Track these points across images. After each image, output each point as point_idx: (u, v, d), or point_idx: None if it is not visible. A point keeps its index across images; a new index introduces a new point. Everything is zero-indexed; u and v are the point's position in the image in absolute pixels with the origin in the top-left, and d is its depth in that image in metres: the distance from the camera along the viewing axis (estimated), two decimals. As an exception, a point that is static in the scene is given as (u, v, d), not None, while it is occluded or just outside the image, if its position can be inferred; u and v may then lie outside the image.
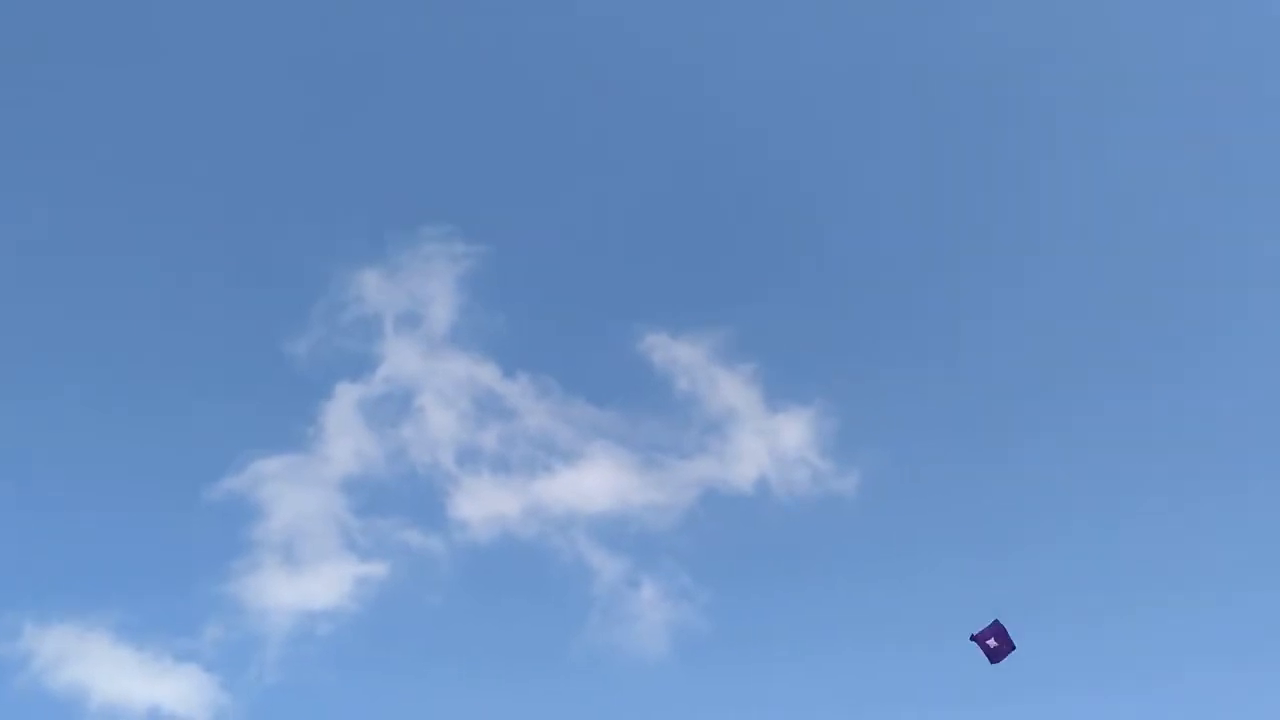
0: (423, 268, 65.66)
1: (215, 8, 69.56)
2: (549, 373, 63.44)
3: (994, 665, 37.41)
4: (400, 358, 64.12)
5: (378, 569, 58.00)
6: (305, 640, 55.78)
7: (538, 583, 58.98)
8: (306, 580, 57.70)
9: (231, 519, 58.85)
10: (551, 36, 70.76)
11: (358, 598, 57.11)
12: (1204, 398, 62.89)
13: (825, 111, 69.96)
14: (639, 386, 64.10)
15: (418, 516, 59.73)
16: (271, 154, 69.55)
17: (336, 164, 70.12)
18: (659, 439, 62.21)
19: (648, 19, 70.52)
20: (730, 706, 54.34)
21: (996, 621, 37.21)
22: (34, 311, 63.96)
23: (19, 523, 58.24)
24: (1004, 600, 55.75)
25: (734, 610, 57.40)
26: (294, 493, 59.96)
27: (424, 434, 62.08)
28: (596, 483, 60.94)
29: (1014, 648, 36.98)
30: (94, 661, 53.63)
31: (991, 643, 36.87)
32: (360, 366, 63.71)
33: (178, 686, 53.52)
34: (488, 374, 63.65)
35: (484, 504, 60.14)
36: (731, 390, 63.23)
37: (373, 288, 65.07)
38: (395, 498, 60.80)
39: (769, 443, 61.82)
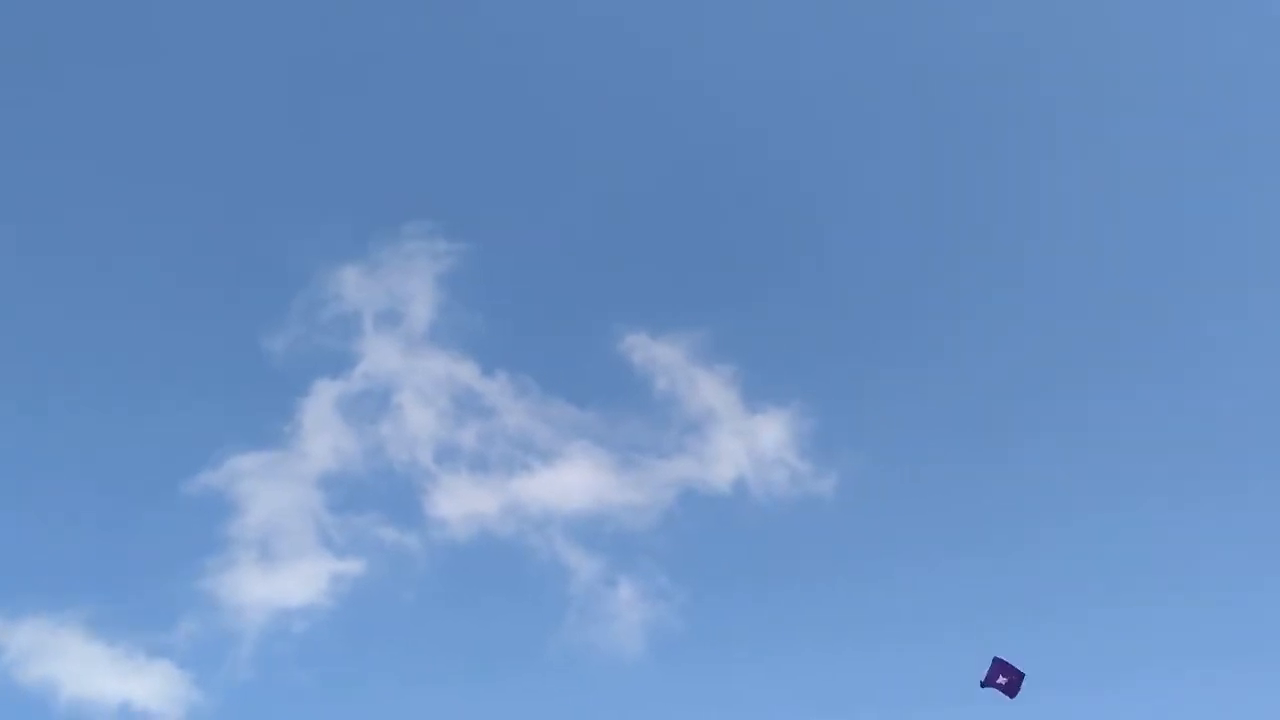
0: (403, 265, 65.65)
1: (201, 6, 69.54)
2: (528, 372, 63.51)
3: (1012, 698, 36.89)
4: (379, 355, 64.08)
5: (354, 566, 57.88)
6: (280, 638, 55.63)
7: (514, 582, 58.98)
8: (282, 577, 57.53)
9: (208, 515, 58.71)
10: (536, 36, 70.99)
11: (333, 595, 56.95)
12: (1198, 397, 63.40)
13: (808, 113, 70.29)
14: (618, 386, 64.21)
15: (395, 514, 59.67)
16: (253, 150, 69.49)
17: (318, 161, 70.30)
18: (637, 439, 62.31)
19: (630, 19, 70.80)
20: (706, 707, 54.37)
21: (995, 659, 36.83)
22: (10, 308, 63.77)
23: (-8, 517, 58.05)
24: (982, 601, 56.52)
25: (710, 611, 57.52)
26: (271, 489, 59.84)
27: (402, 432, 62.03)
28: (574, 482, 60.98)
29: (1023, 674, 36.52)
30: (65, 657, 53.30)
31: (1001, 680, 36.53)
32: (339, 364, 63.65)
33: (149, 683, 53.25)
34: (467, 372, 63.66)
35: (461, 502, 60.10)
36: (710, 391, 63.39)
37: (353, 285, 65.03)
38: (372, 495, 60.74)
39: (747, 443, 61.97)
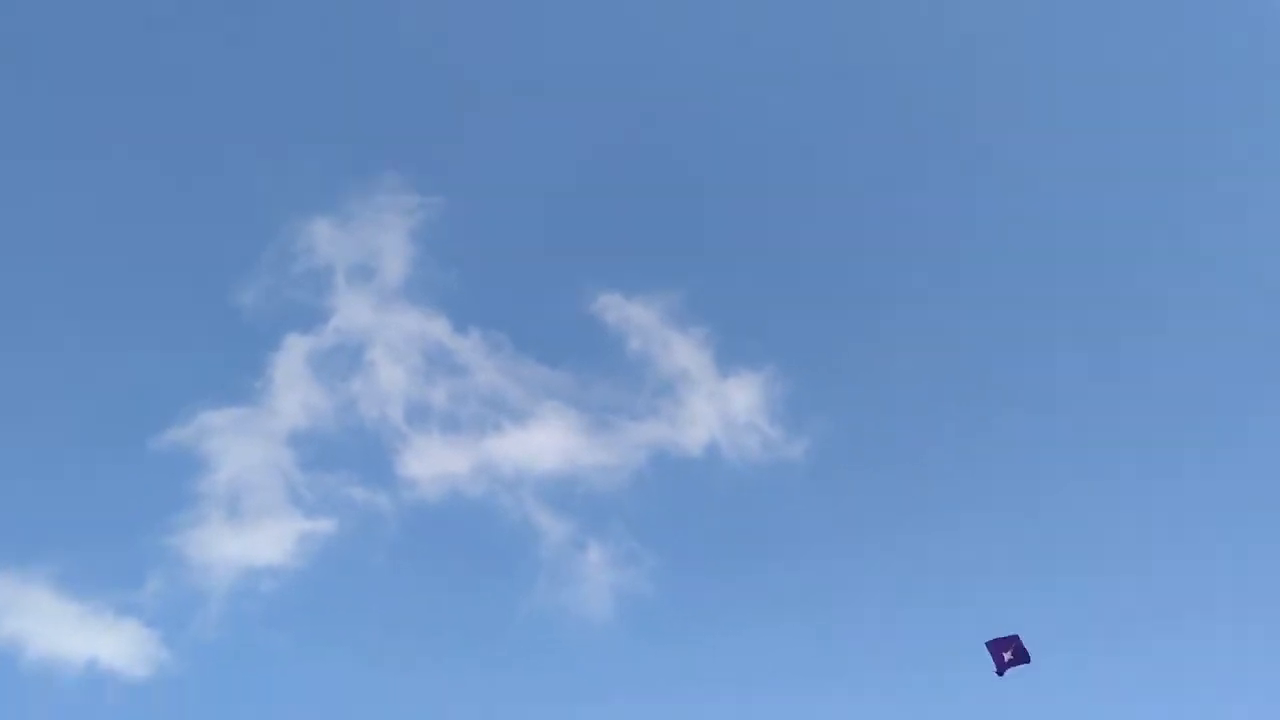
0: (375, 219, 64.82)
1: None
2: (500, 329, 63.15)
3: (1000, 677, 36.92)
4: (351, 310, 63.49)
5: (323, 526, 57.70)
6: (248, 597, 55.53)
7: (485, 543, 59.01)
8: (251, 535, 57.30)
9: (176, 472, 58.31)
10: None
11: (302, 555, 56.81)
12: (1167, 366, 63.85)
13: (785, 75, 69.47)
14: (591, 347, 63.99)
15: (365, 473, 59.46)
16: (220, 97, 68.05)
17: (288, 109, 68.94)
18: (609, 400, 62.19)
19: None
20: (675, 671, 54.89)
21: (988, 644, 36.83)
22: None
23: (-43, 471, 57.43)
24: (954, 566, 57.04)
25: (680, 576, 57.81)
26: (240, 446, 59.43)
27: (374, 389, 61.62)
28: (546, 443, 60.91)
29: (1029, 661, 36.55)
30: (32, 613, 52.97)
31: (1008, 656, 36.52)
32: (310, 318, 63.05)
33: (117, 640, 53.08)
34: (439, 329, 63.19)
35: (432, 462, 59.91)
36: (683, 353, 63.27)
37: (324, 238, 64.22)
38: (343, 453, 60.44)
39: (719, 407, 62.02)
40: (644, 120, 69.24)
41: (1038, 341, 65.51)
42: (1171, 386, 63.04)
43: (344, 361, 62.03)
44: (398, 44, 69.54)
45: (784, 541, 59.43)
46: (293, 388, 60.99)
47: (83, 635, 52.68)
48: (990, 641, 37.26)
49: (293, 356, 61.73)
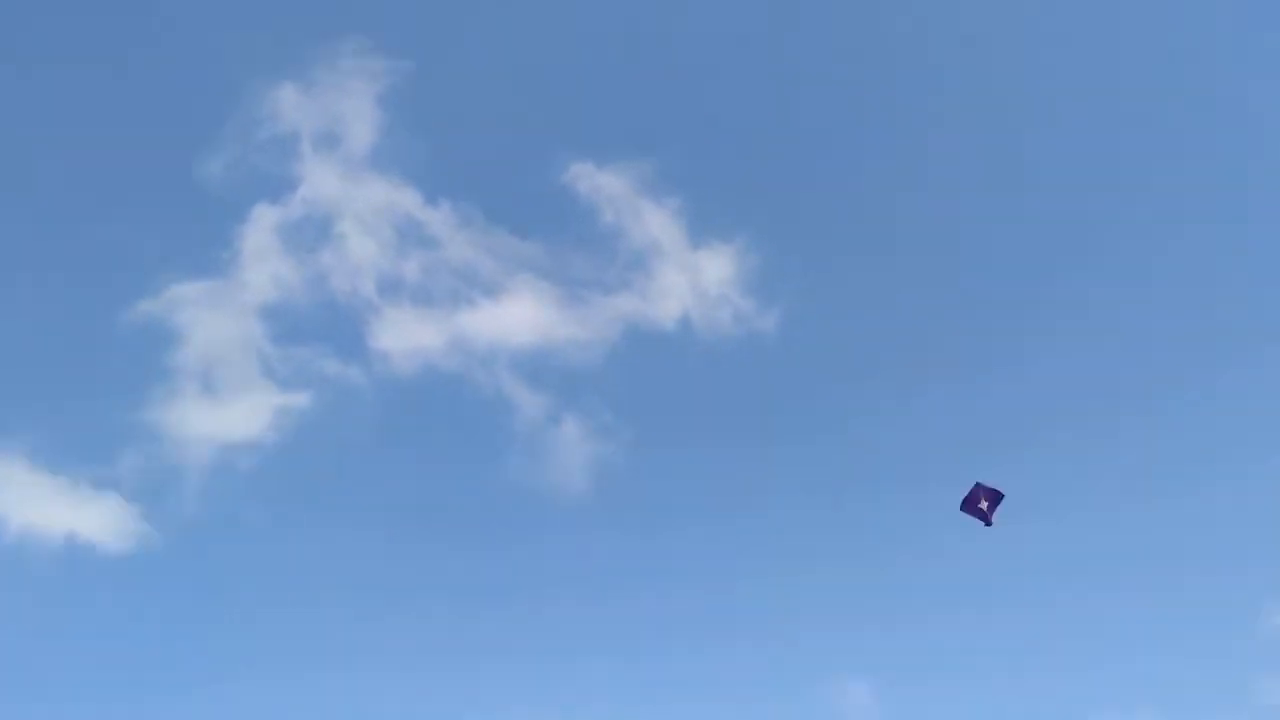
0: (340, 85, 63.11)
1: None
2: (471, 201, 62.30)
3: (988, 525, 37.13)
4: (318, 180, 62.33)
5: (298, 399, 57.74)
6: (225, 471, 55.77)
7: (460, 416, 59.45)
8: (226, 409, 57.39)
9: (148, 344, 57.99)
10: None
11: (278, 428, 57.01)
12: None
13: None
14: (563, 218, 63.40)
15: (338, 347, 59.34)
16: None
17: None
18: (582, 273, 62.01)
19: None
20: (648, 543, 56.17)
21: (978, 483, 37.08)
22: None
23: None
24: (929, 436, 58.23)
25: (655, 448, 58.67)
26: (211, 318, 59.08)
27: (344, 261, 60.98)
28: (519, 316, 60.87)
29: (1002, 495, 36.73)
30: (9, 486, 53.13)
31: (983, 505, 36.84)
32: (278, 188, 61.90)
33: (96, 514, 53.37)
34: (409, 200, 62.28)
35: (405, 336, 59.83)
36: (656, 224, 62.87)
37: (288, 104, 62.57)
38: (315, 327, 60.22)
39: (692, 279, 62.06)
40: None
41: (1012, 209, 65.66)
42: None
43: (313, 233, 61.35)
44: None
45: (757, 412, 60.59)
46: (262, 260, 60.45)
47: (61, 508, 53.05)
48: (964, 502, 37.56)
49: (260, 228, 61.00)
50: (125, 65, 64.05)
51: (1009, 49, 66.73)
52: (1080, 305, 62.50)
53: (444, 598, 53.83)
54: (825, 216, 65.17)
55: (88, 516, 53.04)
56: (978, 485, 37.37)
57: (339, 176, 62.60)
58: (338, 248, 61.06)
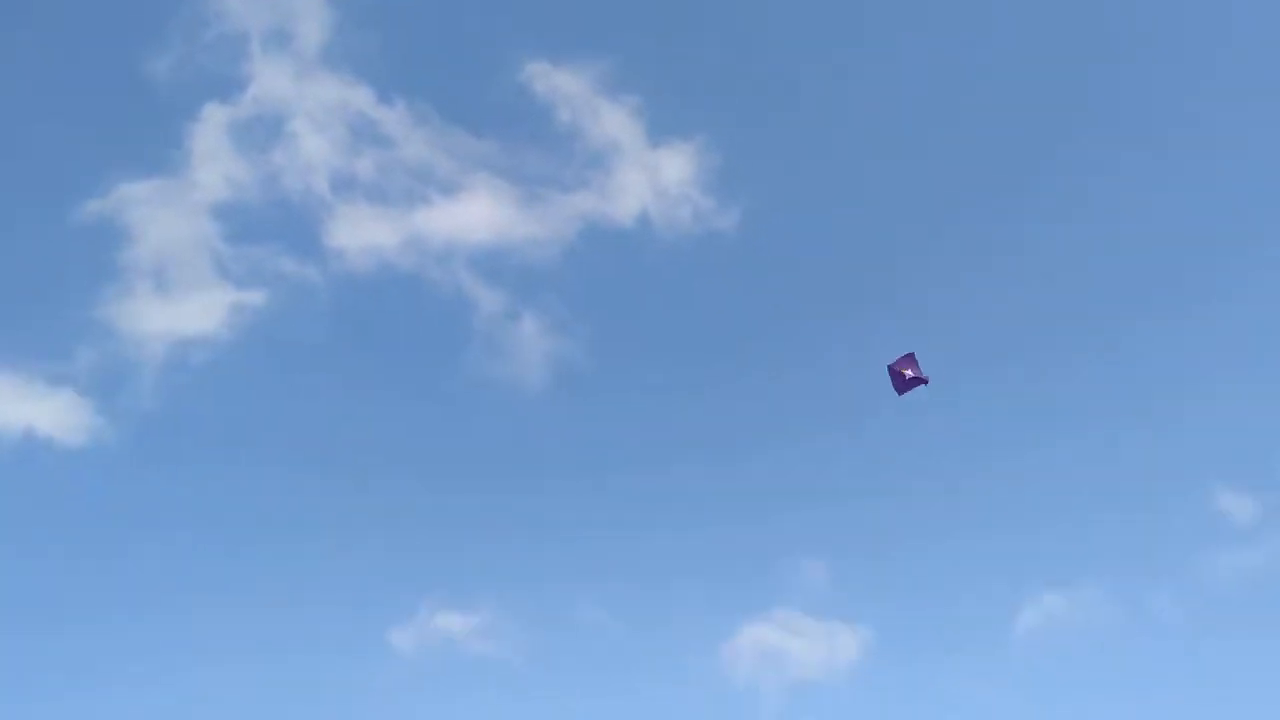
0: (290, -19, 61.97)
1: None
2: (426, 99, 61.54)
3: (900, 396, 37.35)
4: (269, 78, 61.14)
5: (253, 297, 57.26)
6: (180, 368, 55.47)
7: (417, 314, 59.17)
8: (179, 307, 56.85)
9: (99, 243, 57.17)
10: None
11: (232, 325, 56.59)
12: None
13: None
14: (519, 117, 62.59)
15: (293, 245, 58.66)
16: None
17: None
18: (540, 171, 61.56)
19: None
20: (608, 437, 56.74)
21: (910, 355, 37.23)
22: None
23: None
24: (884, 337, 58.50)
25: (614, 343, 58.93)
26: (163, 217, 58.21)
27: (297, 160, 60.10)
28: (476, 215, 60.39)
29: (926, 381, 37.01)
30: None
31: (909, 373, 36.96)
32: (227, 87, 60.76)
33: (52, 408, 53.00)
34: (362, 98, 61.33)
35: (361, 234, 59.23)
36: (614, 123, 62.31)
37: (236, 2, 61.43)
38: (269, 225, 59.40)
39: (651, 178, 61.67)
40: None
41: (979, 113, 65.49)
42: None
43: (264, 132, 60.38)
44: None
45: (715, 310, 60.84)
46: (213, 159, 59.49)
47: (16, 404, 52.67)
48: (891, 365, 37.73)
49: (211, 127, 59.92)
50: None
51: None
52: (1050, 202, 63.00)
53: (404, 489, 54.31)
54: (786, 116, 65.02)
55: (44, 411, 52.84)
56: (910, 356, 37.41)
57: (290, 75, 61.65)
58: (290, 146, 60.34)
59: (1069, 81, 63.22)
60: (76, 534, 51.58)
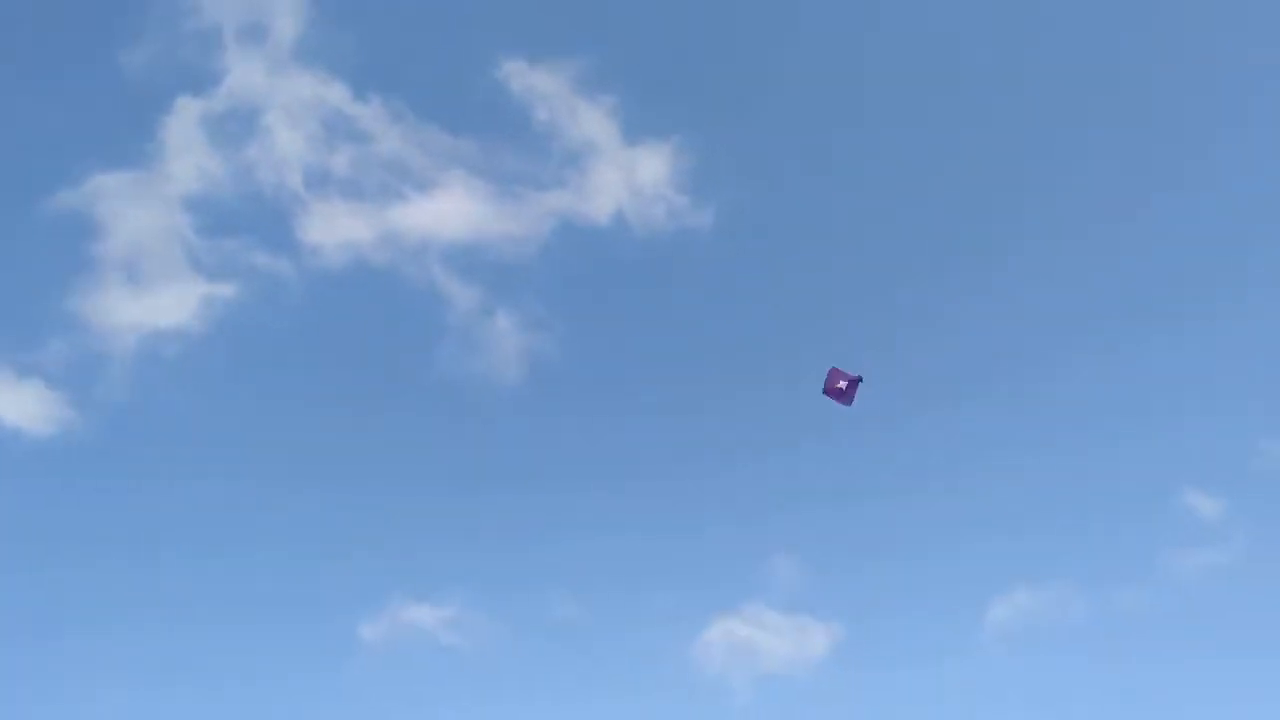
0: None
1: None
2: (402, 96, 61.51)
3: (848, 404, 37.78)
4: (244, 73, 60.97)
5: (225, 290, 57.11)
6: (152, 360, 55.31)
7: (391, 310, 59.18)
8: (151, 299, 56.70)
9: (70, 234, 56.91)
10: None
11: (204, 318, 56.45)
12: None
13: None
14: (496, 115, 62.66)
15: (266, 239, 58.54)
16: None
17: None
18: (516, 169, 61.59)
19: None
20: (582, 432, 56.78)
21: (832, 369, 37.67)
22: None
23: None
24: (858, 336, 58.92)
25: (588, 340, 58.99)
26: (135, 210, 58.14)
27: (271, 155, 59.98)
28: (451, 212, 60.37)
29: (860, 378, 37.39)
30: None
31: (842, 385, 37.40)
32: (201, 80, 60.63)
33: (21, 399, 52.79)
34: (337, 94, 61.24)
35: (335, 229, 59.15)
36: (591, 122, 62.46)
37: (210, -5, 61.26)
38: (242, 219, 59.27)
39: (626, 177, 61.81)
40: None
41: (956, 114, 65.94)
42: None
43: (238, 126, 60.20)
44: None
45: (689, 308, 60.96)
46: (187, 151, 59.36)
47: (-14, 394, 52.36)
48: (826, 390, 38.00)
49: (184, 120, 59.75)
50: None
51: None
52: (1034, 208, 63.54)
53: (377, 484, 54.19)
54: (762, 116, 65.30)
55: (13, 402, 52.65)
56: (834, 370, 37.69)
57: (265, 70, 61.45)
58: (264, 141, 60.18)
59: (1060, 83, 64.28)
60: (44, 526, 51.35)
